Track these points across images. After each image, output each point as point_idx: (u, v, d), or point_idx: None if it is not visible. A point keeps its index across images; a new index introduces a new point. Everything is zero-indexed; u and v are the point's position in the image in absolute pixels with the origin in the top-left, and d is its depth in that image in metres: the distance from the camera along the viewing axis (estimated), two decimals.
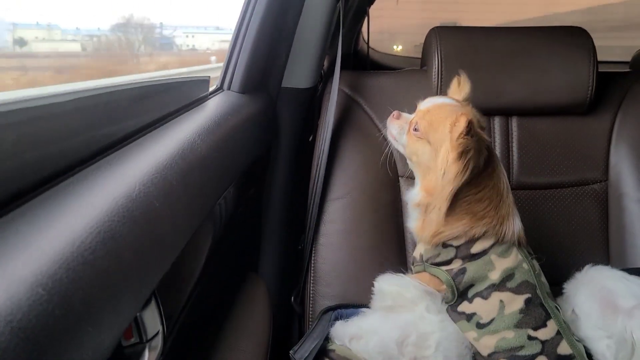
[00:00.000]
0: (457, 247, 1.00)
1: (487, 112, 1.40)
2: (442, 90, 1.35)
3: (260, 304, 1.20)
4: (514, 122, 1.41)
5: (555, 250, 1.34)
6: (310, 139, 1.64)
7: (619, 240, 1.33)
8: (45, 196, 0.55)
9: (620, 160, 1.37)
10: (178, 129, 0.88)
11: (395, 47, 2.73)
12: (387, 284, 1.07)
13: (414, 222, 1.10)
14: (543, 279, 1.04)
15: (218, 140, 0.94)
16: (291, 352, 1.00)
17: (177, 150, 0.78)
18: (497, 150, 1.40)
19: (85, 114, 0.70)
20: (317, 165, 1.32)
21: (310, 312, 1.25)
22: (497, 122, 1.41)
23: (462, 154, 0.94)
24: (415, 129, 1.06)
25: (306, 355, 0.98)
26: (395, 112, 1.13)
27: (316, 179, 1.32)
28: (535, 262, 1.05)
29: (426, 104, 1.09)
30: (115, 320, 0.51)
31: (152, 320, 0.63)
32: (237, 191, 1.17)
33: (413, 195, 1.08)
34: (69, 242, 0.48)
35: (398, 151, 1.15)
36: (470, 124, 0.93)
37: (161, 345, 0.64)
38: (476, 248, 1.00)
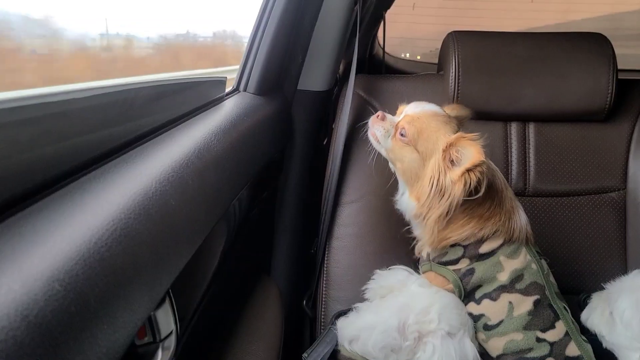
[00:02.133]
0: (465, 247, 0.99)
1: (504, 118, 1.39)
2: (459, 95, 1.33)
3: (273, 307, 1.20)
4: (531, 128, 1.39)
5: (571, 259, 1.32)
6: (324, 142, 1.64)
7: (637, 249, 1.31)
8: (62, 192, 0.55)
9: (638, 169, 1.35)
10: (194, 128, 0.88)
11: (403, 55, 2.71)
12: (377, 279, 1.07)
13: (418, 230, 1.09)
14: (551, 278, 1.03)
15: (234, 141, 0.94)
16: (304, 355, 0.99)
17: (194, 149, 0.78)
18: (514, 157, 1.38)
19: (103, 111, 0.70)
20: (331, 168, 1.32)
21: (322, 316, 1.24)
22: (514, 128, 1.40)
23: (466, 183, 0.92)
24: (402, 134, 1.03)
25: (319, 358, 0.97)
26: (379, 113, 1.09)
27: (330, 182, 1.32)
28: (543, 262, 1.03)
29: (414, 109, 1.06)
30: (130, 319, 0.51)
31: (166, 320, 0.63)
32: (251, 193, 1.16)
33: (406, 205, 1.06)
34: (85, 238, 0.48)
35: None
36: (481, 164, 0.91)
37: (174, 346, 0.63)
38: (484, 248, 0.99)
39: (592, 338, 1.04)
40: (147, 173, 0.64)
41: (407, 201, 1.05)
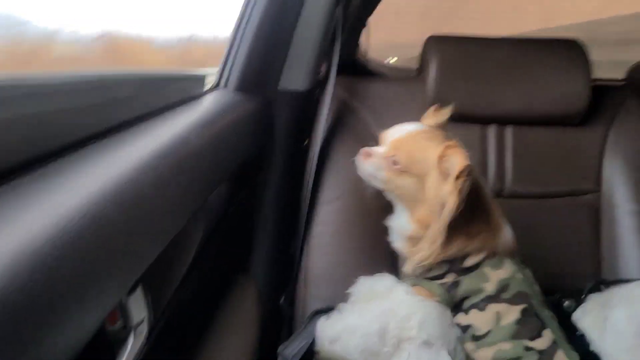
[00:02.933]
0: (451, 262, 0.99)
1: (483, 121, 1.41)
2: (438, 99, 1.35)
3: (250, 304, 1.20)
4: (509, 132, 1.42)
5: (547, 260, 1.33)
6: (305, 143, 1.65)
7: (611, 251, 1.34)
8: (35, 175, 0.55)
9: (612, 172, 1.38)
10: (173, 121, 0.88)
11: (390, 59, 2.74)
12: (362, 284, 1.07)
13: (400, 243, 1.08)
14: (536, 287, 1.03)
15: (212, 136, 0.94)
16: (280, 348, 1.00)
17: (170, 141, 0.78)
18: (492, 159, 1.40)
19: (80, 98, 0.70)
20: (309, 168, 1.32)
21: (300, 314, 1.24)
22: (491, 130, 1.42)
23: (460, 191, 0.92)
24: (394, 163, 1.01)
25: (294, 352, 0.97)
26: (363, 150, 1.07)
27: (308, 181, 1.32)
28: (527, 272, 1.04)
29: (397, 133, 1.04)
30: (99, 302, 0.51)
31: (138, 307, 0.63)
32: (229, 191, 1.16)
33: (402, 226, 1.05)
34: (55, 220, 0.48)
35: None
36: (467, 167, 0.91)
37: (146, 332, 0.63)
38: (469, 262, 0.99)
39: (580, 336, 1.05)
40: (122, 161, 0.64)
41: (404, 224, 1.05)
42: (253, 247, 1.43)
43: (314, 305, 1.22)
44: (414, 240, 1.02)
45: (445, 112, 1.12)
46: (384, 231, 1.22)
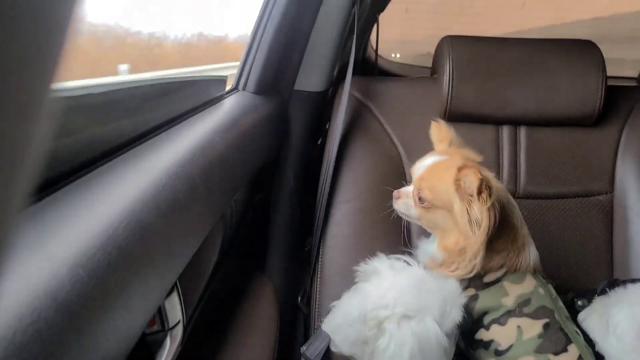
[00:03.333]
0: (470, 279, 1.00)
1: (496, 121, 1.42)
2: (452, 99, 1.36)
3: (267, 303, 1.22)
4: (522, 132, 1.43)
5: (560, 260, 1.36)
6: (319, 142, 1.66)
7: (623, 252, 1.35)
8: (77, 184, 0.57)
9: (626, 173, 1.39)
10: (197, 125, 0.90)
11: (393, 55, 2.74)
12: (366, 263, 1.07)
13: (425, 258, 1.07)
14: (560, 303, 1.03)
15: (235, 139, 0.96)
16: (302, 348, 1.01)
17: (198, 146, 0.79)
18: (505, 160, 1.42)
19: (112, 107, 0.71)
20: (326, 168, 1.34)
21: (317, 313, 1.26)
22: (505, 131, 1.43)
23: (489, 208, 0.92)
24: (420, 199, 1.03)
25: (316, 353, 0.99)
26: (394, 193, 1.10)
27: (324, 181, 1.34)
28: (550, 287, 1.04)
29: (420, 169, 1.06)
30: (145, 305, 0.52)
31: (173, 310, 0.65)
32: (247, 192, 1.18)
33: (431, 254, 1.05)
34: (103, 227, 0.50)
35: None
36: (482, 181, 0.91)
37: (181, 335, 0.65)
38: (489, 278, 1.00)
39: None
40: (157, 167, 0.66)
41: (433, 250, 1.05)
42: (269, 246, 1.45)
43: (330, 303, 1.24)
44: (441, 265, 1.03)
45: (448, 129, 1.12)
46: (400, 231, 1.24)
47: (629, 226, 1.36)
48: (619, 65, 2.02)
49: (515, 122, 1.43)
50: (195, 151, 0.77)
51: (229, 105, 1.08)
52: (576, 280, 1.34)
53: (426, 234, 1.12)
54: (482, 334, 1.00)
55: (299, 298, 1.32)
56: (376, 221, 1.30)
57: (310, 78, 1.46)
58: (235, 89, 1.23)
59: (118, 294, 0.47)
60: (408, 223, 1.19)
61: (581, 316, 1.12)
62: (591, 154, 1.41)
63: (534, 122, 1.42)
